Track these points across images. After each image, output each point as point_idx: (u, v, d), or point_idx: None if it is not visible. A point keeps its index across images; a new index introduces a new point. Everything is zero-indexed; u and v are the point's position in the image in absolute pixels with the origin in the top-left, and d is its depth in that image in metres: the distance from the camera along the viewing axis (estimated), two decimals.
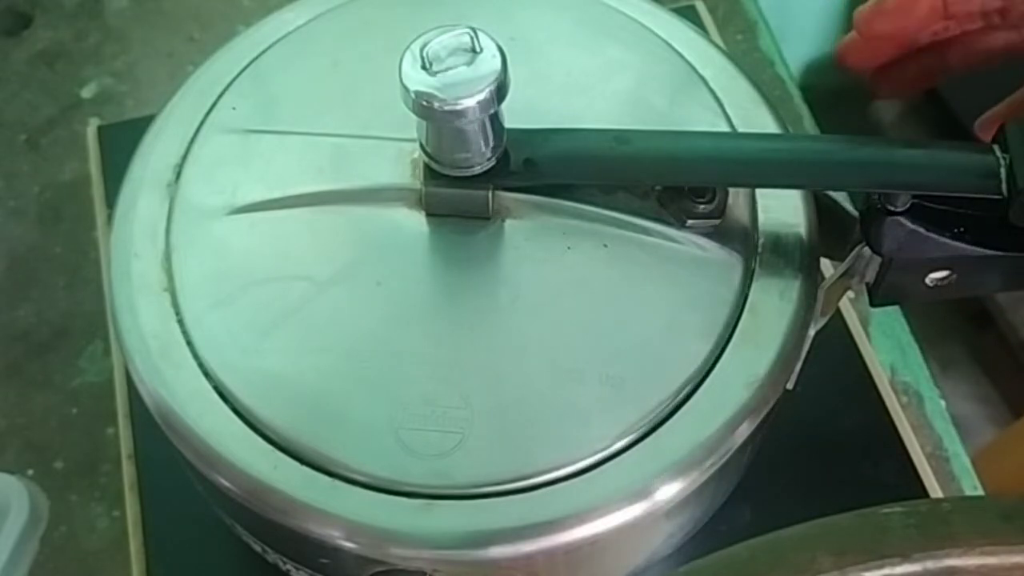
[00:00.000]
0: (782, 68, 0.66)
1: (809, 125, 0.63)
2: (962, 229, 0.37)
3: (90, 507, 0.52)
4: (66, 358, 0.57)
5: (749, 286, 0.38)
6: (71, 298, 0.58)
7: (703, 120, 0.42)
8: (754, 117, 0.42)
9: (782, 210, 0.40)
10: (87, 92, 0.66)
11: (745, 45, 0.67)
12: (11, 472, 0.52)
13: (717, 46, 0.45)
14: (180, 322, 0.38)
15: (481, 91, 0.35)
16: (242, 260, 0.39)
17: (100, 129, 0.61)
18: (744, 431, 0.37)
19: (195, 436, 0.36)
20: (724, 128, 0.42)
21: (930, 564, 0.29)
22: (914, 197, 0.36)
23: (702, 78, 0.43)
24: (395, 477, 0.35)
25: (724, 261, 0.39)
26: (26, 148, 0.64)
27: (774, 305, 0.38)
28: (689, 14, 0.63)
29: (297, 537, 0.36)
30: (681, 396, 0.36)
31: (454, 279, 0.39)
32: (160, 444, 0.39)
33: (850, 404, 0.51)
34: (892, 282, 0.39)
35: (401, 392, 0.36)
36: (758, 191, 0.40)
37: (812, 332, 0.40)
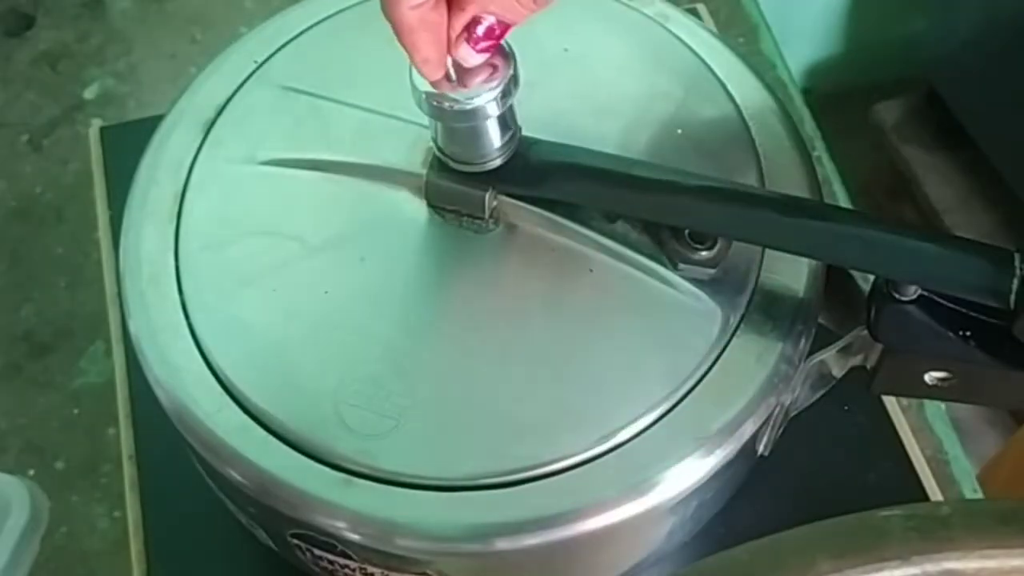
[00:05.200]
0: (783, 71, 0.66)
1: (810, 128, 0.63)
2: (968, 332, 0.35)
3: (91, 508, 0.53)
4: (67, 359, 0.57)
5: (728, 342, 0.37)
6: (72, 299, 0.59)
7: (733, 169, 0.41)
8: (787, 177, 0.41)
9: (787, 274, 0.39)
10: (89, 93, 0.66)
11: (747, 47, 0.67)
12: (12, 472, 0.52)
13: (775, 97, 0.44)
14: (176, 254, 0.39)
15: (488, 92, 0.35)
16: (247, 209, 0.40)
17: (102, 130, 0.61)
18: (683, 484, 0.36)
19: (157, 365, 0.38)
20: (752, 180, 0.41)
21: (929, 567, 0.29)
22: (924, 289, 0.35)
23: (747, 126, 0.42)
24: (324, 446, 0.36)
25: (708, 311, 0.38)
26: (28, 149, 0.64)
27: (747, 367, 0.37)
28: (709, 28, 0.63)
29: (226, 481, 0.37)
30: (621, 438, 0.36)
31: (435, 271, 0.40)
32: (161, 444, 0.39)
33: (850, 407, 0.51)
34: (892, 373, 0.38)
35: (352, 368, 0.37)
36: (768, 251, 0.39)
37: (787, 402, 0.39)
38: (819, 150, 0.62)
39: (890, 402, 0.51)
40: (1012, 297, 0.34)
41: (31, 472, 0.54)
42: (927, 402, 0.54)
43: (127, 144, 0.43)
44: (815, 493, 0.49)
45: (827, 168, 0.62)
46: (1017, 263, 0.34)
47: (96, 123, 0.62)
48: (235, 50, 0.44)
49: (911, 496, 0.49)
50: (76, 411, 0.55)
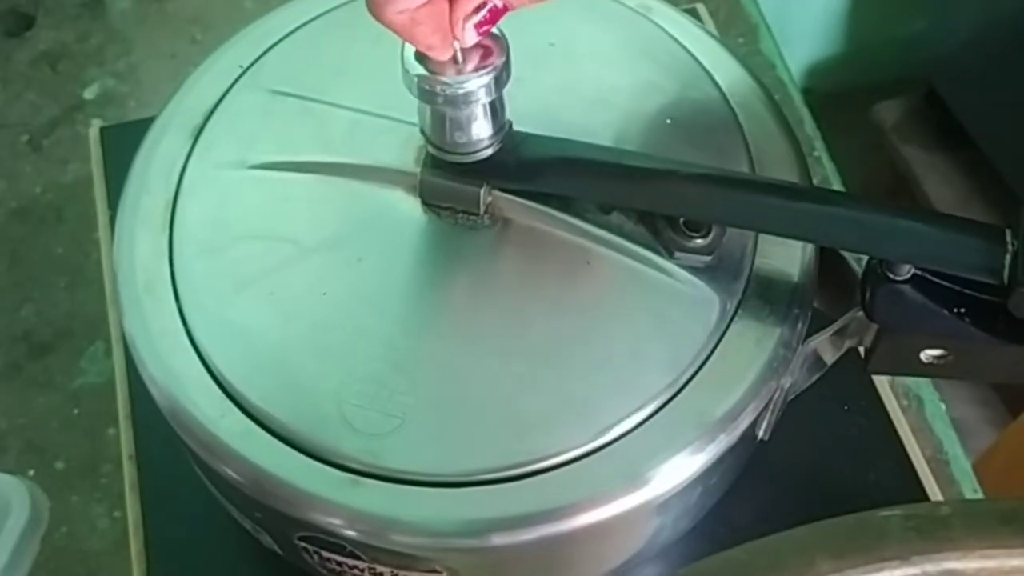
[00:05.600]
0: (783, 71, 0.66)
1: (810, 128, 0.63)
2: (962, 309, 0.36)
3: (91, 508, 0.53)
4: (67, 359, 0.57)
5: (726, 328, 0.38)
6: (72, 299, 0.59)
7: (723, 156, 0.41)
8: (777, 162, 0.41)
9: (781, 258, 0.39)
10: (89, 93, 0.66)
11: (746, 48, 0.67)
12: (12, 473, 0.52)
13: (760, 83, 0.44)
14: (171, 261, 0.39)
15: (480, 77, 0.35)
16: (241, 213, 0.40)
17: (102, 130, 0.61)
18: (689, 470, 0.36)
19: (157, 372, 0.38)
20: (742, 167, 0.41)
21: (929, 567, 0.29)
22: (917, 268, 0.36)
23: (735, 114, 0.42)
24: (329, 447, 0.36)
25: (706, 298, 0.38)
26: (28, 149, 0.64)
27: (746, 351, 0.37)
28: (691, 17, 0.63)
29: (231, 487, 0.37)
30: (629, 425, 0.36)
31: (432, 269, 0.40)
32: (161, 444, 0.39)
33: (850, 407, 0.51)
34: (887, 352, 0.38)
35: (354, 368, 0.37)
36: (761, 235, 0.39)
37: (787, 385, 0.39)
38: (819, 150, 0.62)
39: (890, 402, 0.52)
40: (1005, 272, 0.34)
41: (31, 472, 0.54)
42: (927, 402, 0.54)
43: (127, 144, 0.43)
44: (815, 493, 0.49)
45: (827, 168, 0.62)
46: (1009, 239, 0.34)
47: (96, 123, 0.62)
48: (221, 55, 0.44)
49: (911, 496, 0.49)
50: (76, 411, 0.55)
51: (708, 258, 0.38)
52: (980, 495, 0.52)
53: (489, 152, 0.38)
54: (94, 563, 0.51)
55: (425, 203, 0.40)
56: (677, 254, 0.38)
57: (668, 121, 0.42)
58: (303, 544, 0.37)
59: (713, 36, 0.45)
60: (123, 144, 0.44)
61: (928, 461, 0.51)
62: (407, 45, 0.36)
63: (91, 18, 0.69)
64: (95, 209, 0.58)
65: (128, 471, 0.50)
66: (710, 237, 0.38)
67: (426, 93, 0.36)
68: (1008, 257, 0.34)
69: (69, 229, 0.61)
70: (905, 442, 0.51)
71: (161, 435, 0.39)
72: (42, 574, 0.51)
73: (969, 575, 0.29)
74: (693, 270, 0.38)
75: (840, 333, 0.39)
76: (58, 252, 0.60)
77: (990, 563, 0.29)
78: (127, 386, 0.52)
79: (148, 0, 0.70)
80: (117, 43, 0.68)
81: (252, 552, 0.42)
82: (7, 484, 0.51)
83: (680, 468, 0.36)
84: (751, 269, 0.39)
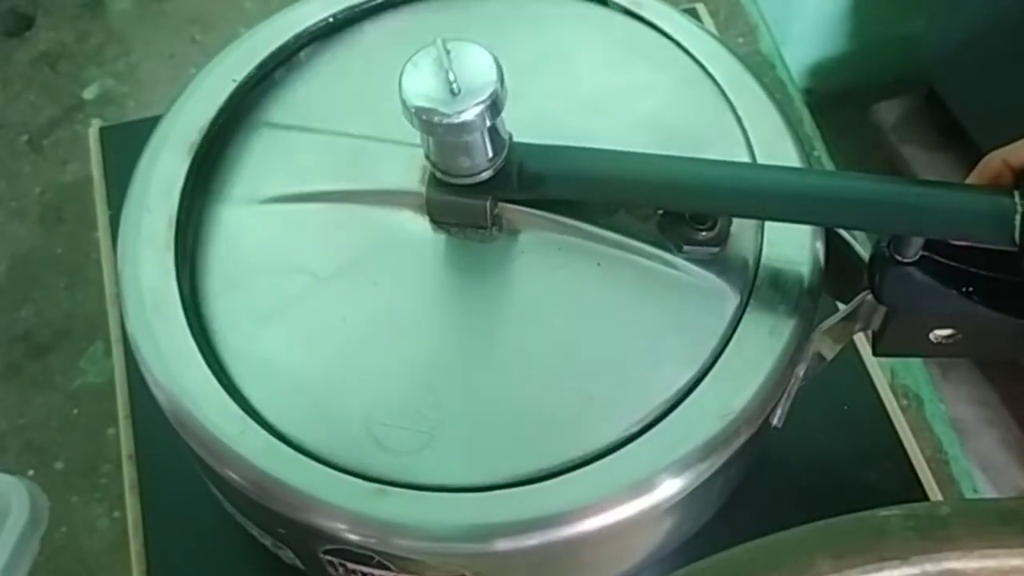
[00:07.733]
0: (783, 71, 0.66)
1: (810, 128, 0.63)
2: (971, 288, 0.36)
3: (91, 508, 0.53)
4: (67, 359, 0.57)
5: (739, 318, 0.38)
6: (72, 299, 0.59)
7: (724, 149, 0.41)
8: (777, 149, 0.42)
9: (788, 245, 0.39)
10: (89, 93, 0.66)
11: (746, 48, 0.67)
12: (12, 473, 0.52)
13: (754, 73, 0.44)
14: (178, 282, 0.39)
15: (477, 105, 0.35)
16: (255, 248, 0.40)
17: (102, 130, 0.61)
18: (712, 462, 0.36)
19: (165, 377, 0.37)
20: (743, 158, 0.41)
21: (929, 567, 0.29)
22: (925, 248, 0.36)
23: (735, 114, 0.42)
24: (360, 468, 0.35)
25: (717, 290, 0.38)
26: (28, 149, 0.64)
27: (762, 341, 0.38)
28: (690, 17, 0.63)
29: (252, 503, 0.36)
30: (650, 420, 0.36)
31: (447, 285, 0.40)
32: (161, 445, 0.39)
33: (850, 407, 0.51)
34: (896, 334, 0.38)
35: (379, 389, 0.37)
36: (767, 224, 0.40)
37: (801, 372, 0.39)
38: (819, 150, 0.62)
39: (890, 402, 0.52)
40: (1016, 233, 0.34)
41: (31, 472, 0.54)
42: (927, 402, 0.54)
43: (127, 144, 0.43)
44: (815, 493, 0.49)
45: (827, 168, 0.62)
46: (1017, 199, 0.34)
47: (96, 123, 0.62)
48: (210, 71, 0.44)
49: (911, 496, 0.49)
50: (76, 411, 0.55)
51: (716, 250, 0.39)
52: (980, 495, 0.52)
53: (492, 171, 0.38)
54: (94, 563, 0.51)
55: (433, 221, 0.40)
56: (685, 248, 0.39)
57: (668, 122, 0.42)
58: (329, 558, 0.37)
59: (713, 35, 0.45)
60: (123, 144, 0.44)
61: (928, 461, 0.51)
62: (405, 75, 0.36)
63: (91, 18, 0.69)
64: (95, 209, 0.58)
65: (128, 471, 0.50)
66: (717, 228, 0.38)
67: (425, 124, 0.36)
68: (1018, 218, 0.34)
69: (69, 229, 0.61)
70: (905, 442, 0.51)
71: (161, 435, 0.39)
72: (42, 574, 0.51)
73: (969, 575, 0.29)
74: (702, 263, 0.39)
75: (850, 317, 0.39)
76: (58, 252, 0.60)
77: (990, 563, 0.29)
78: (127, 386, 0.52)
79: (148, 0, 0.70)
80: (116, 43, 0.68)
81: (252, 552, 0.42)
82: (7, 484, 0.51)
83: (705, 460, 0.36)
84: (759, 257, 0.39)
